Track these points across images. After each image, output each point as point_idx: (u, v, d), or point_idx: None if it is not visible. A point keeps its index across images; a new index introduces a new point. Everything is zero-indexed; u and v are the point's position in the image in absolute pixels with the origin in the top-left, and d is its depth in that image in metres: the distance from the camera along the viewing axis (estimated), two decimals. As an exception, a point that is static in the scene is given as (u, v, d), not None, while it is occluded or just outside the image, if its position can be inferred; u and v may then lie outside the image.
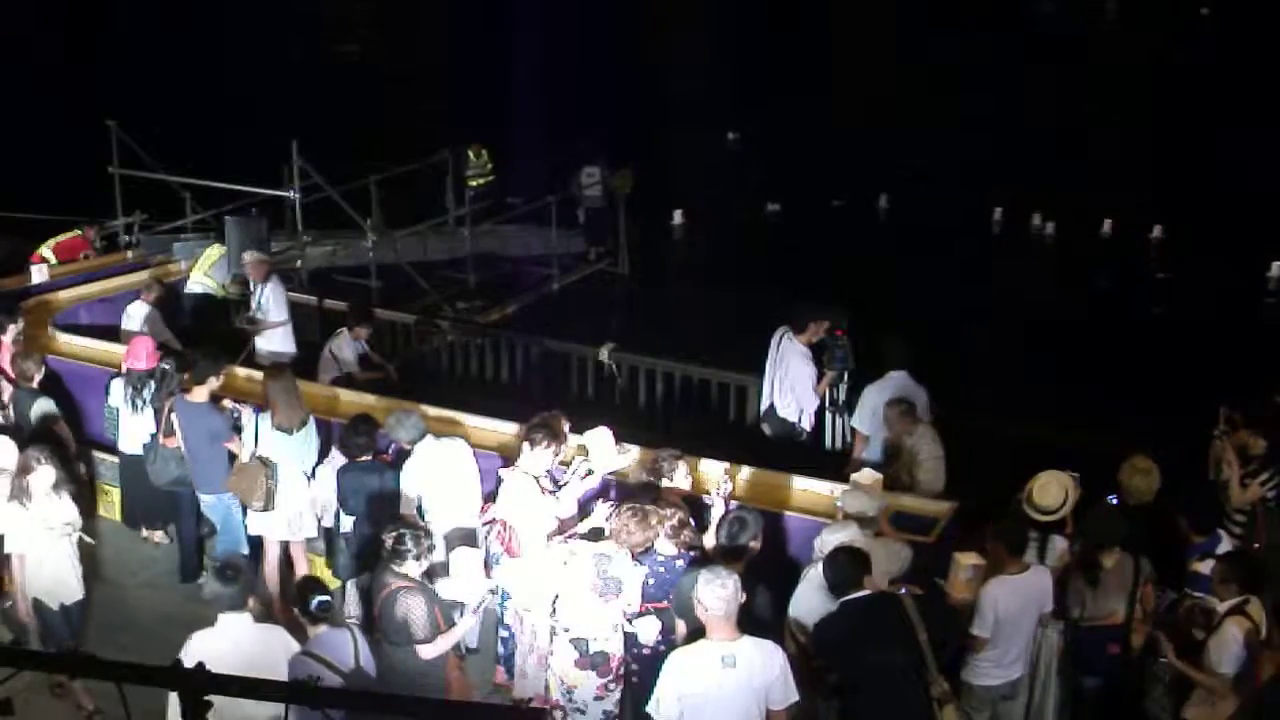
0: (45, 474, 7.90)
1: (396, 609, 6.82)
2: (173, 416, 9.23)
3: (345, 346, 11.40)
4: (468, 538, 8.26)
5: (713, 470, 8.61)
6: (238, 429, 9.08)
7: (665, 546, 7.24)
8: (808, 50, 32.12)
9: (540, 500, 7.85)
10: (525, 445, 8.04)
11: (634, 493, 7.59)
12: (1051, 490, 7.58)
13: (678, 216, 21.33)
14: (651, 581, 7.20)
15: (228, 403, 9.33)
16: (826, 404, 10.37)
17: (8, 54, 28.31)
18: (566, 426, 8.40)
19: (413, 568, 6.97)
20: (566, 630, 7.12)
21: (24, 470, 7.90)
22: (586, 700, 7.12)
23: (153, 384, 9.59)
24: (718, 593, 6.06)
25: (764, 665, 6.13)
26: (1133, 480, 7.90)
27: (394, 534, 7.00)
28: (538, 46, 31.49)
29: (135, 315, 11.80)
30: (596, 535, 7.42)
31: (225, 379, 9.48)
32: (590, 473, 8.17)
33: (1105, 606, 7.28)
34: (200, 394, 9.17)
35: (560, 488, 8.07)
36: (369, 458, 8.58)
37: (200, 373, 9.21)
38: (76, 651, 7.21)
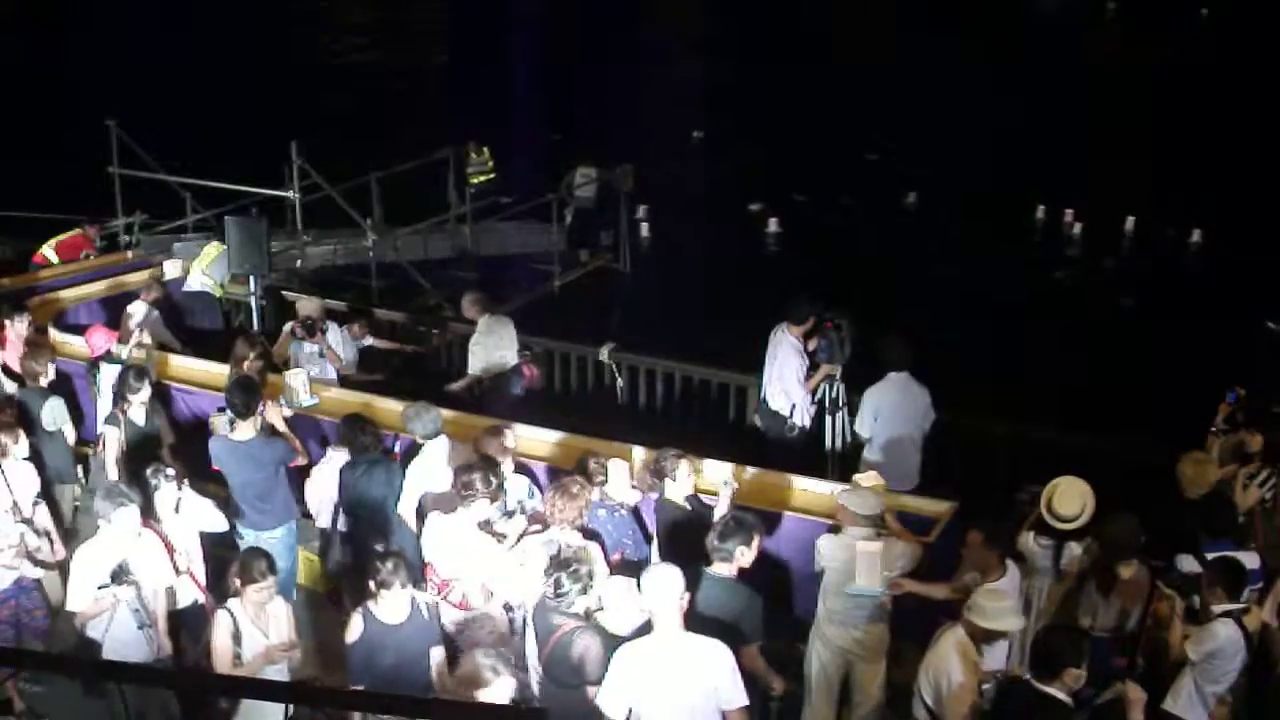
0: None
1: (573, 650, 6.39)
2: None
3: (342, 346, 11.40)
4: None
5: (716, 470, 8.60)
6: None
7: None
8: (805, 48, 32.06)
9: (490, 548, 7.54)
10: (462, 505, 7.55)
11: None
12: (1072, 498, 7.47)
13: (773, 225, 20.55)
14: None
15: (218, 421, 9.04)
16: (826, 404, 10.33)
17: (7, 54, 28.28)
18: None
19: (580, 604, 6.54)
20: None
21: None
22: None
23: (98, 374, 9.52)
24: (659, 585, 5.95)
25: (713, 663, 5.96)
26: (1184, 469, 7.94)
27: (553, 578, 6.53)
28: (536, 46, 31.47)
29: (135, 315, 11.80)
30: None
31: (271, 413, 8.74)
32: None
33: (1116, 617, 7.19)
34: (246, 429, 8.53)
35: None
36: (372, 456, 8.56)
37: (242, 408, 8.53)
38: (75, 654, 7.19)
